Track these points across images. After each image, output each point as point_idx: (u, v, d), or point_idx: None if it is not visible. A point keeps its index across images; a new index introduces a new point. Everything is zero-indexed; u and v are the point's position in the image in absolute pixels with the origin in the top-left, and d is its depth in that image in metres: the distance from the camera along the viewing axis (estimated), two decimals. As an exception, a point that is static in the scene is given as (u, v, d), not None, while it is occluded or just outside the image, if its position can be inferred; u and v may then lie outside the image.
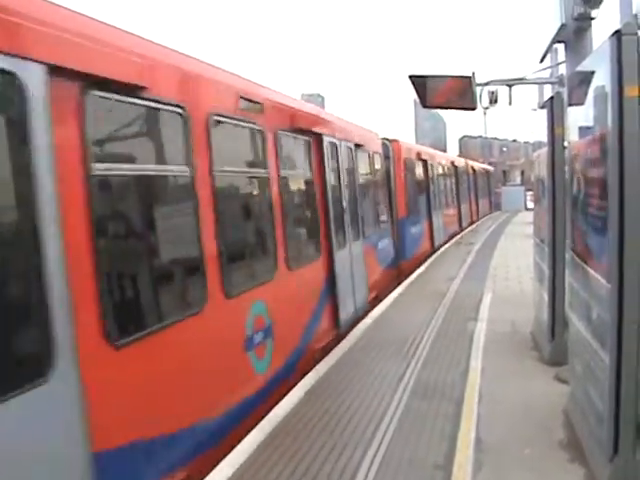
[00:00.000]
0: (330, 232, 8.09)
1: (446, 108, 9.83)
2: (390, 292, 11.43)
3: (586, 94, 4.16)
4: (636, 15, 7.14)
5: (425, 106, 9.21)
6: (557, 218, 6.10)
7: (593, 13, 6.56)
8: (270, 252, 6.33)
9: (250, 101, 5.94)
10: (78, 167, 3.44)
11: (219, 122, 5.20)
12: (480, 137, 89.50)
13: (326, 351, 7.41)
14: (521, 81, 9.09)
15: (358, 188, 9.83)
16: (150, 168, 4.38)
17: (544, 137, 6.47)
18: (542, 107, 7.24)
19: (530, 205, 23.79)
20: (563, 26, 6.70)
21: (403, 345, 7.51)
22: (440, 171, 20.54)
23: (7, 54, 2.88)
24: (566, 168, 5.54)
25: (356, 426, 5.10)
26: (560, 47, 7.92)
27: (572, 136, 4.94)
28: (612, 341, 3.51)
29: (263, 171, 6.30)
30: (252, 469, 4.38)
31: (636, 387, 3.47)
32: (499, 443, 4.63)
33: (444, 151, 48.72)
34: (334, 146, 8.65)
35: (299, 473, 4.31)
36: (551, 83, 9.38)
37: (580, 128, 4.56)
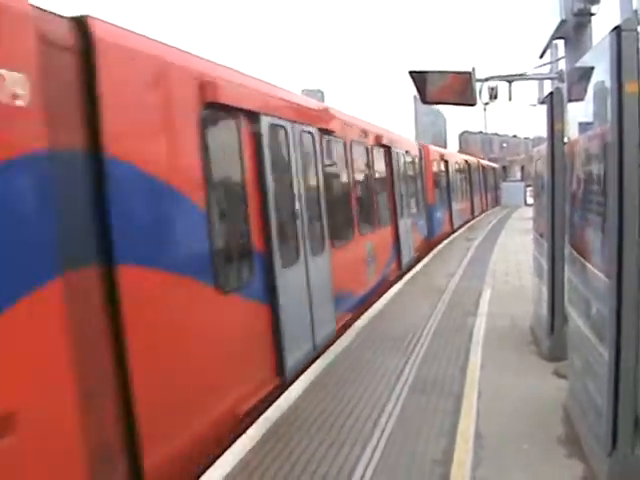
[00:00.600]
0: (396, 208, 12.79)
1: (446, 104, 9.82)
2: (426, 255, 15.56)
3: (586, 90, 4.16)
4: (636, 11, 7.11)
5: (425, 102, 9.20)
6: (556, 213, 6.11)
7: (593, 9, 6.57)
8: (373, 215, 11.09)
9: (361, 130, 10.73)
10: (320, 168, 7.79)
11: (354, 144, 9.89)
12: (480, 133, 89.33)
13: (393, 284, 11.54)
14: (521, 77, 9.05)
15: (407, 180, 14.56)
16: (333, 168, 8.91)
17: (544, 133, 6.47)
18: (542, 103, 7.23)
19: (530, 201, 23.79)
20: (563, 22, 6.71)
21: (403, 340, 7.55)
22: (457, 168, 24.89)
23: (312, 125, 7.46)
24: (566, 164, 5.54)
25: (356, 420, 5.13)
26: (560, 43, 7.92)
27: (572, 132, 4.95)
28: (611, 336, 3.53)
29: (369, 170, 10.99)
30: (256, 459, 4.42)
31: (635, 382, 3.48)
32: (498, 438, 4.66)
33: (444, 147, 49.09)
34: (396, 153, 13.18)
35: (299, 467, 4.35)
36: (551, 79, 9.34)
37: (580, 124, 4.56)
